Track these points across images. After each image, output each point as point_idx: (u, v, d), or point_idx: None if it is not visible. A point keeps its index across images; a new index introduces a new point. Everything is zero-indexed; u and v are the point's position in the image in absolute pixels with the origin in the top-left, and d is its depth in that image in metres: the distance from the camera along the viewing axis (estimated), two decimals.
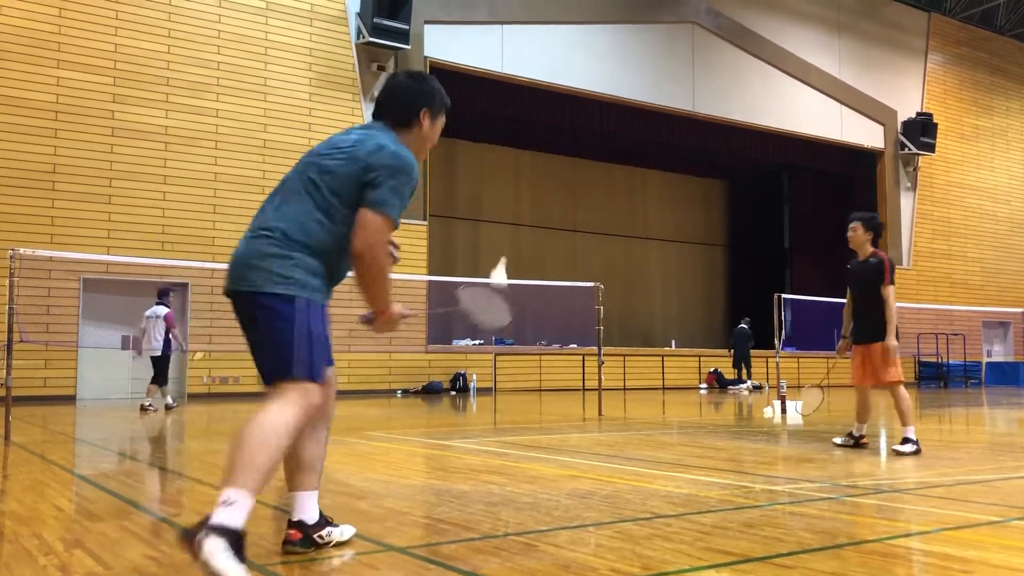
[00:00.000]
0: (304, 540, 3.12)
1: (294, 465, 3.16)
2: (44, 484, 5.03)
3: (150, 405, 12.47)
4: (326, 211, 3.00)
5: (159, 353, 12.75)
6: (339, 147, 3.11)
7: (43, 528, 3.66)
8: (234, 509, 2.60)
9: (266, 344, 2.92)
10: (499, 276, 3.64)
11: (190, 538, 2.53)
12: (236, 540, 2.55)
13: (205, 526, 2.54)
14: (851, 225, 6.94)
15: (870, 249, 6.88)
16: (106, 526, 3.69)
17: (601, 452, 6.69)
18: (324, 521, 3.21)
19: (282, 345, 2.88)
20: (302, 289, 2.92)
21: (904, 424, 6.51)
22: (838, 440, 6.95)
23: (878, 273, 6.72)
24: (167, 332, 12.72)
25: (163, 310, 12.81)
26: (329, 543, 3.17)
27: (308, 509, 3.16)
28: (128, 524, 3.72)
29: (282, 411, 2.81)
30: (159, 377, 12.84)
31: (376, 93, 18.90)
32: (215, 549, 2.49)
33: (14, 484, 5.08)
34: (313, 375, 2.90)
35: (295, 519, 3.15)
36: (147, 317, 12.94)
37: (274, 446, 2.75)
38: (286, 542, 3.13)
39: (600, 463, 5.91)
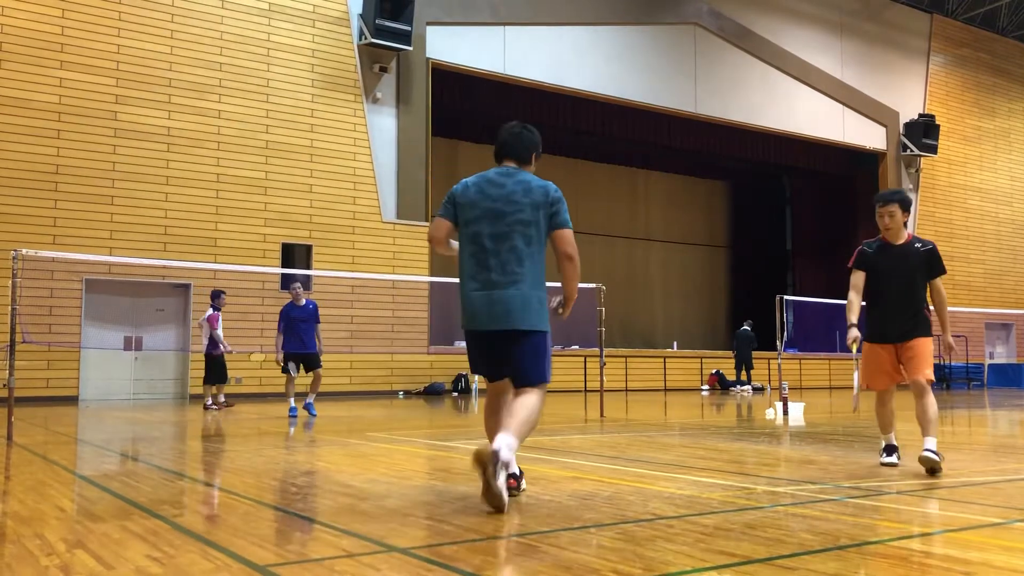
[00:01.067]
0: (516, 488, 4.32)
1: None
2: (46, 485, 5.04)
3: (211, 404, 12.91)
4: (541, 255, 4.35)
5: (206, 353, 13.04)
6: (518, 202, 4.33)
7: (45, 528, 3.66)
8: (513, 452, 4.02)
9: (535, 361, 4.30)
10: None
11: (494, 463, 3.88)
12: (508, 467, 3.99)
13: (499, 458, 3.89)
14: (887, 209, 5.69)
15: (906, 233, 5.82)
16: (108, 527, 3.69)
17: (603, 453, 6.68)
18: (521, 474, 4.39)
19: (544, 362, 4.33)
20: (549, 323, 4.37)
21: (931, 434, 5.39)
22: (893, 459, 5.71)
23: (931, 261, 5.75)
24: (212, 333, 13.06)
25: (208, 312, 13.06)
26: (523, 490, 4.44)
27: (513, 465, 4.22)
28: (130, 525, 3.72)
29: (541, 399, 4.28)
30: (208, 376, 13.10)
31: (379, 95, 18.99)
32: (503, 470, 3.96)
33: (16, 484, 5.09)
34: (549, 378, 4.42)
35: (511, 472, 4.19)
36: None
37: (536, 418, 4.25)
38: (509, 488, 4.13)
39: (602, 464, 5.91)
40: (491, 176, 4.42)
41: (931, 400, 5.53)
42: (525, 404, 4.18)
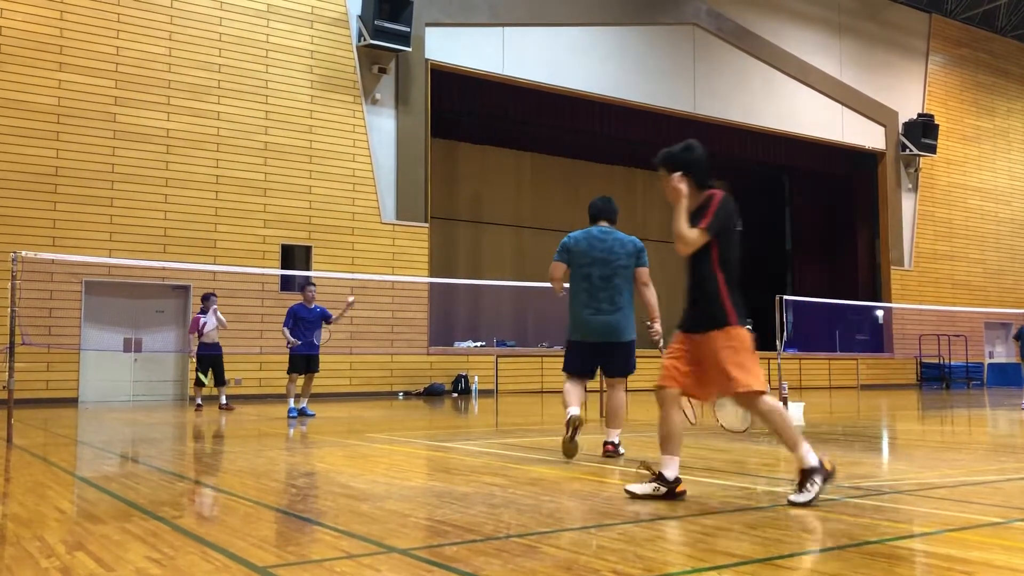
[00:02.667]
0: (615, 452, 6.15)
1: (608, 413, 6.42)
2: (46, 486, 5.04)
3: (225, 404, 13.12)
4: (631, 288, 6.28)
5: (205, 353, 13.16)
6: (617, 252, 6.21)
7: (45, 530, 3.66)
8: (617, 435, 6.25)
9: (627, 360, 6.31)
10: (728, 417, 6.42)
11: (611, 448, 6.15)
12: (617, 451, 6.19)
13: (611, 444, 6.18)
14: (660, 175, 4.57)
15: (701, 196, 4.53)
16: (108, 528, 3.69)
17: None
18: (619, 443, 6.25)
19: (634, 359, 6.36)
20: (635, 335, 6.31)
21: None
22: (638, 489, 4.32)
23: (698, 218, 4.44)
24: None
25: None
26: (622, 454, 6.20)
27: (612, 436, 6.23)
28: (130, 526, 3.72)
29: (625, 390, 6.40)
30: (217, 378, 13.26)
31: (378, 96, 18.93)
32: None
33: (16, 486, 5.08)
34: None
35: (608, 439, 6.23)
36: None
37: (625, 405, 6.37)
38: (608, 452, 6.17)
39: (602, 465, 5.91)
40: (595, 233, 6.26)
41: (763, 408, 4.22)
42: (617, 405, 6.26)
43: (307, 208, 17.98)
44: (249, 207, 17.37)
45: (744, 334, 4.32)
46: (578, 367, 6.26)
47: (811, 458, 4.08)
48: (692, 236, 4.40)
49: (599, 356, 6.26)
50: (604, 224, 6.34)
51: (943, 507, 4.21)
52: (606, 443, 6.16)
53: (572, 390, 6.15)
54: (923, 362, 25.91)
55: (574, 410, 5.89)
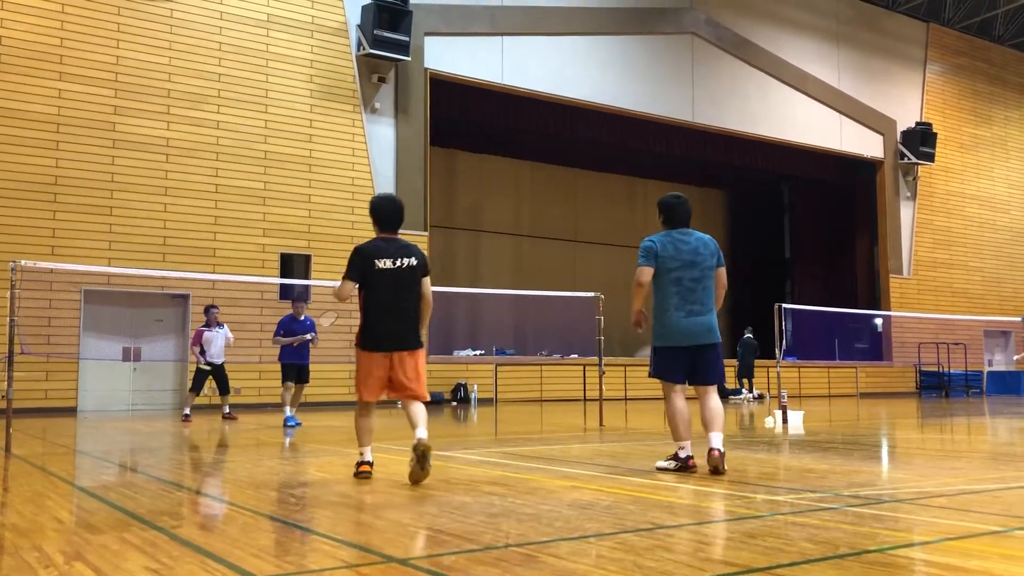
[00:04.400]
0: (722, 456, 5.72)
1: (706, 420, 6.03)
2: (44, 496, 5.03)
3: (229, 414, 13.18)
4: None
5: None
6: (702, 253, 5.97)
7: (43, 540, 3.66)
8: (721, 439, 5.82)
9: (717, 366, 6.06)
10: None
11: (717, 453, 5.69)
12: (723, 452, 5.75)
13: (717, 450, 5.71)
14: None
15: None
16: (107, 538, 3.68)
17: (602, 463, 6.67)
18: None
19: (722, 365, 6.15)
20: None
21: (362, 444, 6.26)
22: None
23: None
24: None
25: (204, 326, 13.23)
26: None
27: (717, 441, 5.78)
28: (129, 536, 3.71)
29: (719, 397, 6.09)
30: (221, 387, 13.34)
31: (377, 105, 19.00)
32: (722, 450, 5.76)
33: (15, 496, 5.08)
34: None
35: (714, 446, 5.75)
36: None
37: (722, 412, 6.04)
38: (713, 467, 5.70)
39: (601, 474, 5.90)
40: (676, 236, 6.03)
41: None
42: (716, 408, 5.97)
43: (306, 217, 17.99)
44: (248, 216, 17.39)
45: (359, 356, 6.14)
46: (679, 374, 5.99)
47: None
48: (338, 287, 6.22)
49: (693, 360, 5.98)
50: (683, 227, 6.11)
51: (942, 516, 4.20)
52: (712, 448, 5.83)
53: (681, 407, 5.99)
54: (922, 370, 25.91)
55: (688, 448, 5.90)
